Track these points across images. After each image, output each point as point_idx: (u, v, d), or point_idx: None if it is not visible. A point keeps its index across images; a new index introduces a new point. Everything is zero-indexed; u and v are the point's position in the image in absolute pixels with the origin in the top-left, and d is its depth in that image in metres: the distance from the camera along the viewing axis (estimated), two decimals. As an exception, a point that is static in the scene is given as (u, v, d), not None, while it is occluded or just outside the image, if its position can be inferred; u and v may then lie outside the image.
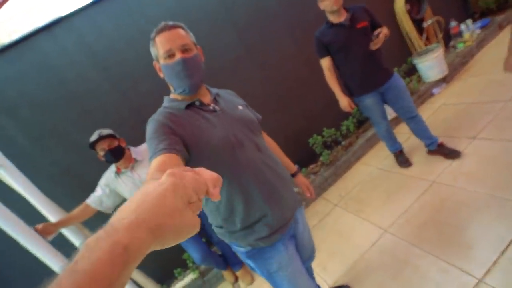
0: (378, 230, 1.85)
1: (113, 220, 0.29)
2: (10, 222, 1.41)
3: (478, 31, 3.44)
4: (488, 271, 1.28)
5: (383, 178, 2.35)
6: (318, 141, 2.82)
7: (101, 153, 1.65)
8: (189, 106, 0.93)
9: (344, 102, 2.03)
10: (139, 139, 1.81)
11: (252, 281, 2.13)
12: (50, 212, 1.74)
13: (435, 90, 3.04)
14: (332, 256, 1.91)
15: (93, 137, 1.63)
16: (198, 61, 0.93)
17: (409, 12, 3.24)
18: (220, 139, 0.87)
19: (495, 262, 1.30)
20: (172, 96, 0.99)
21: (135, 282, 2.01)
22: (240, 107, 1.03)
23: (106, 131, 1.66)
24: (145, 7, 2.34)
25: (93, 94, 2.22)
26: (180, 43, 0.88)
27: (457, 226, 1.57)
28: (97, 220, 1.71)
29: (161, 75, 0.95)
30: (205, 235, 2.08)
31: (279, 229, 0.98)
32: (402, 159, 2.29)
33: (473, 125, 2.23)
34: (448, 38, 3.61)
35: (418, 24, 3.34)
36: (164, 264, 2.38)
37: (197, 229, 0.33)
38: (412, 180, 2.11)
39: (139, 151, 1.79)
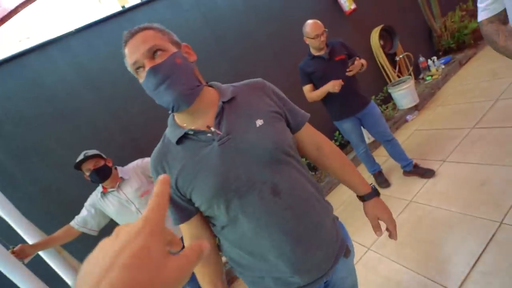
0: (362, 248, 1.92)
1: None
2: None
3: (442, 66, 3.85)
4: (462, 284, 1.37)
5: (365, 199, 2.46)
6: (302, 163, 2.93)
7: (87, 173, 1.63)
8: (182, 139, 0.72)
9: (329, 85, 1.96)
10: (128, 158, 1.83)
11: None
12: (28, 233, 1.66)
13: (408, 117, 3.31)
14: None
15: (79, 158, 1.62)
16: (178, 62, 0.67)
17: (383, 47, 3.60)
18: (215, 189, 0.67)
19: (467, 275, 1.39)
20: (174, 117, 0.77)
21: None
22: (259, 122, 0.71)
23: (91, 152, 1.66)
24: (140, 32, 2.46)
25: (83, 112, 2.24)
26: (145, 48, 0.65)
27: (433, 242, 1.67)
28: (76, 241, 1.67)
29: None
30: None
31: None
32: (381, 180, 2.43)
33: (442, 149, 2.44)
34: (418, 71, 4.00)
35: (391, 58, 3.71)
36: None
37: (200, 255, 0.27)
38: (391, 200, 2.23)
39: (127, 170, 1.79)
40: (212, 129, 0.70)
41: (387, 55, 3.63)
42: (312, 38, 1.97)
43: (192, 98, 0.68)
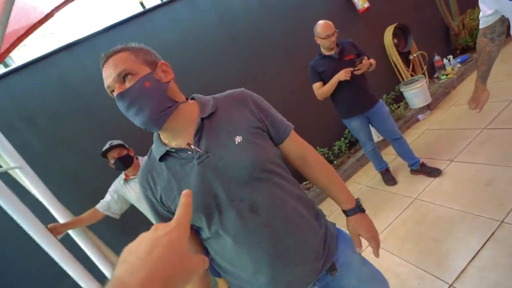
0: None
1: (120, 273, 0.28)
2: (28, 220, 1.54)
3: (458, 65, 3.79)
4: (458, 277, 1.43)
5: (371, 195, 2.52)
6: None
7: (112, 161, 1.80)
8: (164, 156, 0.73)
9: (340, 73, 2.01)
10: (146, 150, 1.99)
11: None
12: (59, 214, 1.86)
13: (420, 116, 3.30)
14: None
15: (105, 147, 1.79)
16: (147, 85, 0.66)
17: (397, 46, 3.59)
18: (196, 206, 0.68)
19: (464, 269, 1.45)
20: (158, 134, 0.78)
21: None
22: (238, 139, 0.71)
23: (116, 142, 1.83)
24: (159, 31, 2.61)
25: (106, 108, 2.42)
26: (115, 73, 0.65)
27: (434, 239, 1.73)
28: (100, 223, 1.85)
29: None
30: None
31: None
32: (388, 178, 2.48)
33: (451, 149, 2.45)
34: (432, 70, 3.96)
35: (405, 56, 3.69)
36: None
37: (205, 266, 0.34)
38: (397, 197, 2.28)
39: (147, 160, 1.96)
40: (192, 147, 0.70)
41: (400, 53, 3.62)
42: (323, 38, 2.04)
43: (162, 121, 0.68)
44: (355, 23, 3.41)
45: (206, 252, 0.83)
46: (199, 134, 0.72)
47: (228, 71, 2.85)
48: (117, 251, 1.89)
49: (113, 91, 0.67)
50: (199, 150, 0.70)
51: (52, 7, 1.84)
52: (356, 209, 0.88)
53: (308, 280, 0.75)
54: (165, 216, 0.77)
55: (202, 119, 0.73)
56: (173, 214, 0.71)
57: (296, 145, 0.85)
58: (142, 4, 2.98)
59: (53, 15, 1.88)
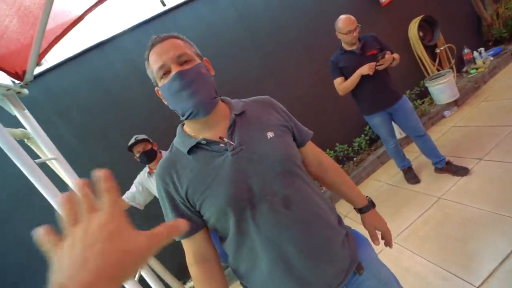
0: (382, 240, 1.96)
1: (60, 279, 0.26)
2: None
3: (490, 58, 3.56)
4: (485, 280, 1.38)
5: (392, 193, 2.46)
6: (330, 156, 2.98)
7: (137, 155, 1.90)
8: (193, 148, 0.72)
9: (364, 68, 1.97)
10: (170, 144, 2.07)
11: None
12: (90, 203, 2.00)
13: (446, 113, 3.16)
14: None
15: (131, 141, 1.89)
16: (203, 72, 0.71)
17: (422, 39, 3.44)
18: (228, 198, 0.66)
19: (493, 273, 1.39)
20: (183, 127, 0.79)
21: (156, 274, 2.19)
22: (270, 134, 0.74)
23: (141, 136, 1.92)
24: (181, 29, 2.68)
25: (133, 103, 2.55)
26: (175, 54, 0.68)
27: (459, 240, 1.67)
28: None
29: (165, 102, 0.75)
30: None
31: None
32: (411, 176, 2.41)
33: (480, 147, 2.33)
34: (461, 64, 3.75)
35: (431, 50, 3.53)
36: (181, 261, 2.55)
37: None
38: (419, 196, 2.22)
39: (170, 154, 2.04)
40: (225, 139, 0.70)
41: (426, 47, 3.46)
42: (344, 34, 2.00)
43: (212, 107, 0.71)
44: (378, 17, 3.30)
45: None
46: (232, 128, 0.73)
47: (248, 68, 2.87)
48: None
49: (165, 72, 0.68)
50: (233, 143, 0.70)
51: (84, 9, 1.94)
52: (369, 206, 0.94)
53: (338, 281, 0.74)
54: (184, 214, 0.71)
55: (235, 115, 0.75)
56: (196, 214, 0.71)
57: (313, 150, 0.90)
58: (162, 1, 3.06)
59: (84, 17, 1.99)
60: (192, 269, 0.73)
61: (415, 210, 2.09)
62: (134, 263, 0.29)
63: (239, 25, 2.84)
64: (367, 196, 0.95)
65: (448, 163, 2.22)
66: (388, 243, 0.96)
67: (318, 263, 0.70)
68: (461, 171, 2.14)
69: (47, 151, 1.82)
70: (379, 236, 0.96)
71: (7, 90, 1.47)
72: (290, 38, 2.99)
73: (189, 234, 0.72)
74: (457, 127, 2.87)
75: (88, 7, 1.82)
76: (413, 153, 2.74)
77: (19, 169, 1.05)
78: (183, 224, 0.33)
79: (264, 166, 0.68)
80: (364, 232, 0.95)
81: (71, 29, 1.97)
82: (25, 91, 1.64)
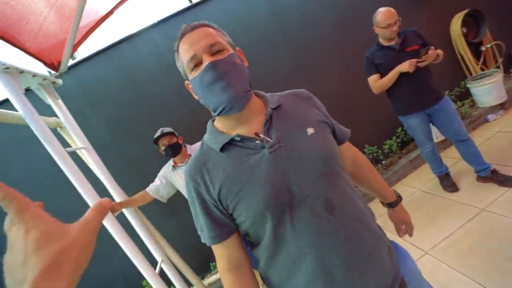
0: (418, 251, 1.82)
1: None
2: (89, 196, 1.70)
3: (545, 57, 3.20)
4: (540, 306, 1.22)
5: (426, 201, 2.28)
6: None
7: (162, 148, 1.90)
8: (226, 146, 0.66)
9: (405, 64, 1.83)
10: (194, 138, 2.05)
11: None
12: (116, 193, 2.03)
13: (490, 117, 2.88)
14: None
15: (157, 134, 1.89)
16: (237, 63, 0.65)
17: (465, 35, 3.16)
18: (267, 200, 0.60)
19: (549, 299, 1.23)
20: (214, 123, 0.73)
21: (176, 268, 2.20)
22: (310, 130, 0.67)
23: (167, 129, 1.92)
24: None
25: (159, 96, 2.56)
26: (206, 43, 0.62)
27: (507, 257, 1.50)
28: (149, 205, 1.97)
29: (196, 97, 0.69)
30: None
31: None
32: (448, 183, 2.21)
33: (533, 155, 2.09)
34: (509, 64, 3.40)
35: (475, 47, 3.23)
36: (201, 257, 2.56)
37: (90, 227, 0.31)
38: (458, 206, 2.03)
39: (194, 148, 2.02)
40: (262, 135, 0.64)
41: (469, 44, 3.17)
42: (383, 28, 1.86)
43: (245, 101, 0.65)
44: (417, 10, 3.07)
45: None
46: (268, 123, 0.66)
47: (278, 63, 2.79)
48: (162, 232, 2.01)
49: (197, 63, 0.63)
50: (270, 139, 0.64)
51: (111, 6, 1.94)
52: (398, 200, 0.95)
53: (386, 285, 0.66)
54: (217, 218, 0.66)
55: (272, 109, 0.69)
56: (229, 217, 0.66)
57: (350, 148, 0.88)
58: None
59: (111, 14, 2.01)
60: (226, 275, 0.68)
61: (454, 220, 1.91)
62: (75, 256, 0.29)
63: (270, 20, 2.75)
64: (394, 190, 0.96)
65: (494, 171, 2.01)
66: (410, 234, 0.98)
67: (362, 275, 0.63)
68: (509, 181, 1.93)
69: (78, 140, 1.87)
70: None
71: (44, 79, 1.51)
72: (321, 33, 2.86)
73: (222, 238, 0.67)
74: (504, 133, 2.60)
75: (119, 1, 1.82)
76: (450, 159, 2.53)
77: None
78: (104, 200, 0.34)
79: (305, 165, 0.62)
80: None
81: (102, 22, 2.00)
82: (60, 81, 1.68)
